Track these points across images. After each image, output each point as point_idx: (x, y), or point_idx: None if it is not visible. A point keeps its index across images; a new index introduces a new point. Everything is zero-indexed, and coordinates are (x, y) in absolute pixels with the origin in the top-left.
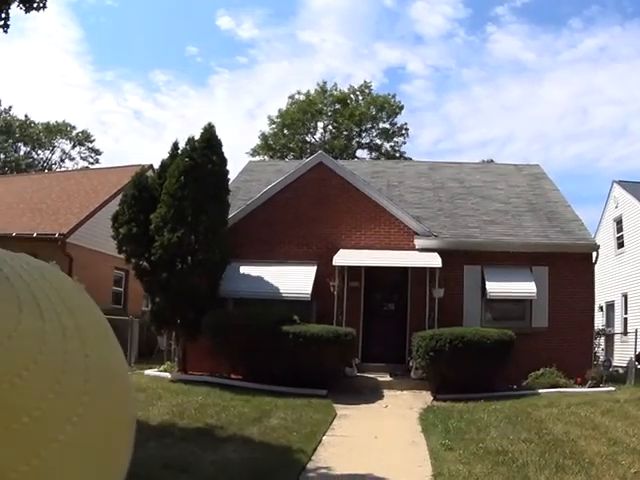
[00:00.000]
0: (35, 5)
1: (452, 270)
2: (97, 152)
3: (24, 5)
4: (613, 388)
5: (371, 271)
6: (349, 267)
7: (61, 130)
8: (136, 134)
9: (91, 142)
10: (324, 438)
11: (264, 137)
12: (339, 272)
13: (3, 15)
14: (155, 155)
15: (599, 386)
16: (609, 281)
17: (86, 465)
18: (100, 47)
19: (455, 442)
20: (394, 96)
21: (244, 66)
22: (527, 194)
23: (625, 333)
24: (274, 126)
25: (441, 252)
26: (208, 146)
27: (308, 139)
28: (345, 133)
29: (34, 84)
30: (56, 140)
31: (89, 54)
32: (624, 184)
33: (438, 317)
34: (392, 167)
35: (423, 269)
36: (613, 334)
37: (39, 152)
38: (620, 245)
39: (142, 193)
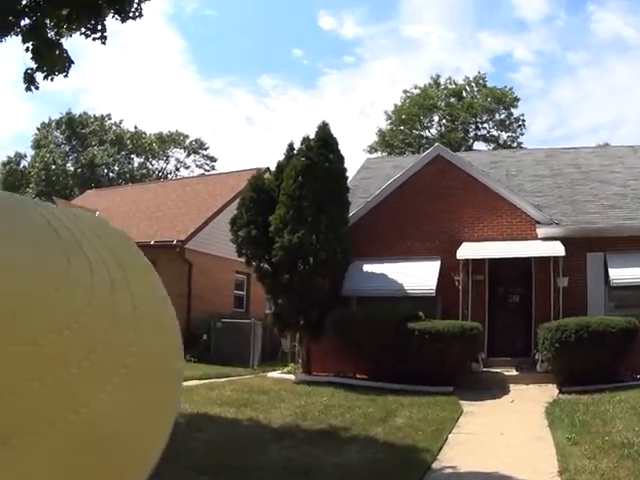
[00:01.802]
0: (131, 14)
1: (575, 258)
2: (212, 159)
3: (119, 15)
4: None
5: (494, 263)
6: (473, 260)
7: (174, 139)
8: (249, 139)
9: (205, 150)
10: (450, 436)
11: (381, 133)
12: (463, 266)
13: (99, 27)
14: (269, 159)
15: None
16: None
17: (134, 415)
18: (203, 56)
19: (581, 436)
20: (511, 89)
21: (352, 65)
22: None
23: None
24: (390, 122)
25: (563, 240)
26: (324, 144)
27: (424, 134)
28: (461, 126)
29: (142, 97)
30: (170, 150)
31: (193, 64)
32: None
33: (562, 307)
34: (510, 156)
35: (547, 258)
36: None
37: (153, 162)
38: None
39: (260, 195)
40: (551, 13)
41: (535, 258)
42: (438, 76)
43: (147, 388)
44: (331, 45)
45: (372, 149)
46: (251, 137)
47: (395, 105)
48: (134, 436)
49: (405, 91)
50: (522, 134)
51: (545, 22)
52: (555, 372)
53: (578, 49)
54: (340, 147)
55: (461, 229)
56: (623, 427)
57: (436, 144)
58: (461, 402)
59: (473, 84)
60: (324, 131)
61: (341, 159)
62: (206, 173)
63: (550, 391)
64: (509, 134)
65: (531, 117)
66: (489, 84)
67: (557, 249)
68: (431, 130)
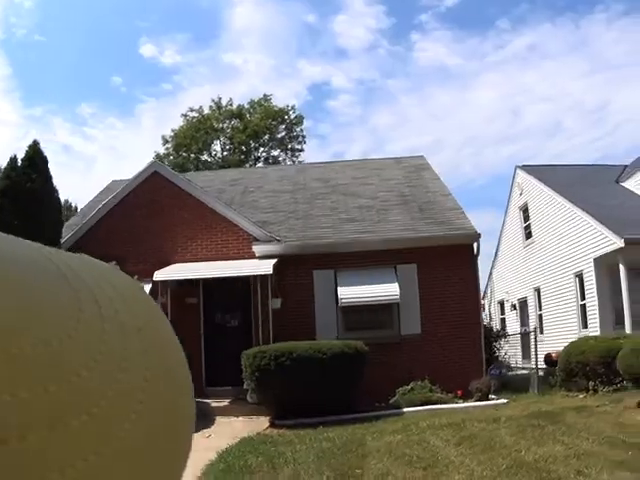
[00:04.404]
0: None
1: (300, 277)
2: None
3: None
4: (506, 400)
5: (211, 285)
6: (186, 282)
7: None
8: (66, 169)
9: None
10: None
11: (159, 158)
12: (162, 288)
13: None
14: (85, 189)
15: (487, 399)
16: (521, 276)
17: (145, 462)
18: (28, 83)
19: None
20: (293, 107)
21: (169, 93)
22: (401, 186)
23: (542, 331)
24: (168, 146)
25: (286, 258)
26: (30, 164)
27: (206, 158)
28: (243, 148)
29: None
30: None
31: (17, 90)
32: (528, 168)
33: (287, 330)
34: (253, 173)
35: (265, 278)
36: (528, 333)
37: None
38: (528, 235)
39: None
40: (374, 42)
41: (253, 278)
42: (220, 98)
43: (158, 434)
44: (151, 73)
45: None
46: (68, 167)
47: (173, 129)
48: None
49: (183, 115)
50: (302, 150)
51: (367, 51)
52: (264, 403)
53: (399, 76)
54: (50, 167)
55: (174, 249)
56: (291, 475)
57: (152, 160)
58: None
59: (256, 105)
60: (33, 150)
61: (49, 179)
62: None
63: (259, 424)
64: (289, 154)
65: (348, 144)
66: (280, 106)
67: (263, 267)
68: (213, 154)
